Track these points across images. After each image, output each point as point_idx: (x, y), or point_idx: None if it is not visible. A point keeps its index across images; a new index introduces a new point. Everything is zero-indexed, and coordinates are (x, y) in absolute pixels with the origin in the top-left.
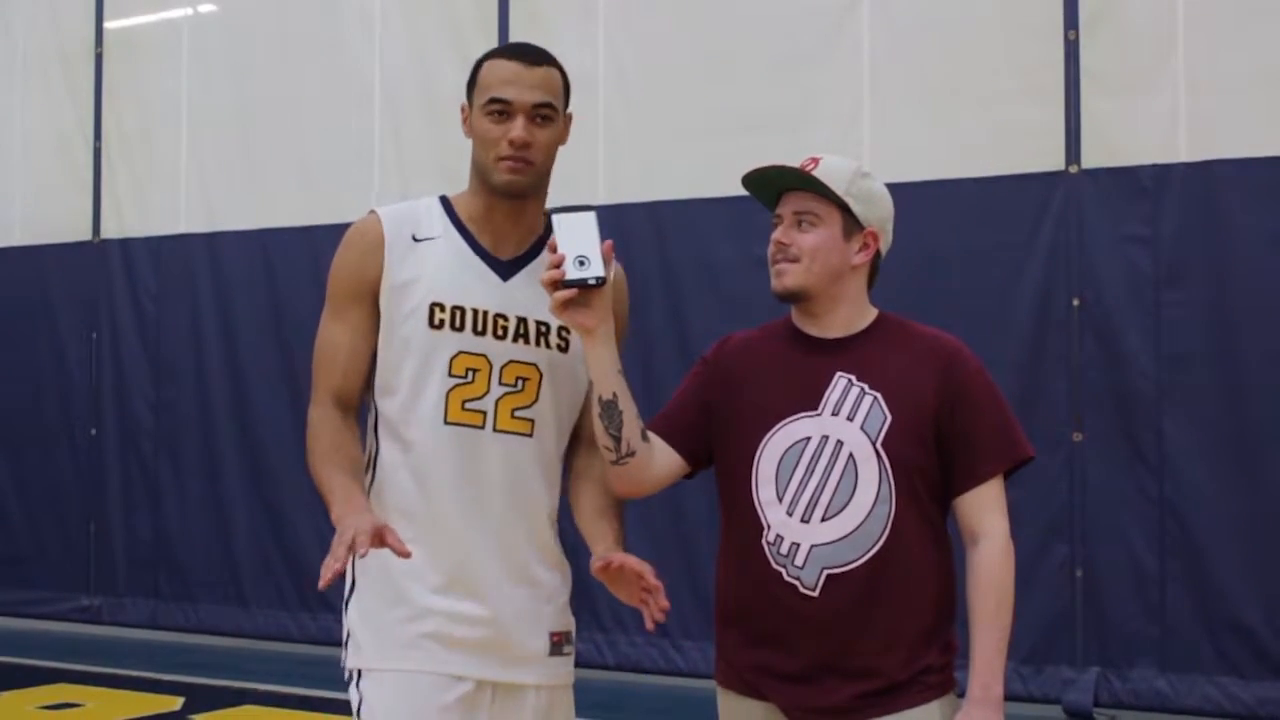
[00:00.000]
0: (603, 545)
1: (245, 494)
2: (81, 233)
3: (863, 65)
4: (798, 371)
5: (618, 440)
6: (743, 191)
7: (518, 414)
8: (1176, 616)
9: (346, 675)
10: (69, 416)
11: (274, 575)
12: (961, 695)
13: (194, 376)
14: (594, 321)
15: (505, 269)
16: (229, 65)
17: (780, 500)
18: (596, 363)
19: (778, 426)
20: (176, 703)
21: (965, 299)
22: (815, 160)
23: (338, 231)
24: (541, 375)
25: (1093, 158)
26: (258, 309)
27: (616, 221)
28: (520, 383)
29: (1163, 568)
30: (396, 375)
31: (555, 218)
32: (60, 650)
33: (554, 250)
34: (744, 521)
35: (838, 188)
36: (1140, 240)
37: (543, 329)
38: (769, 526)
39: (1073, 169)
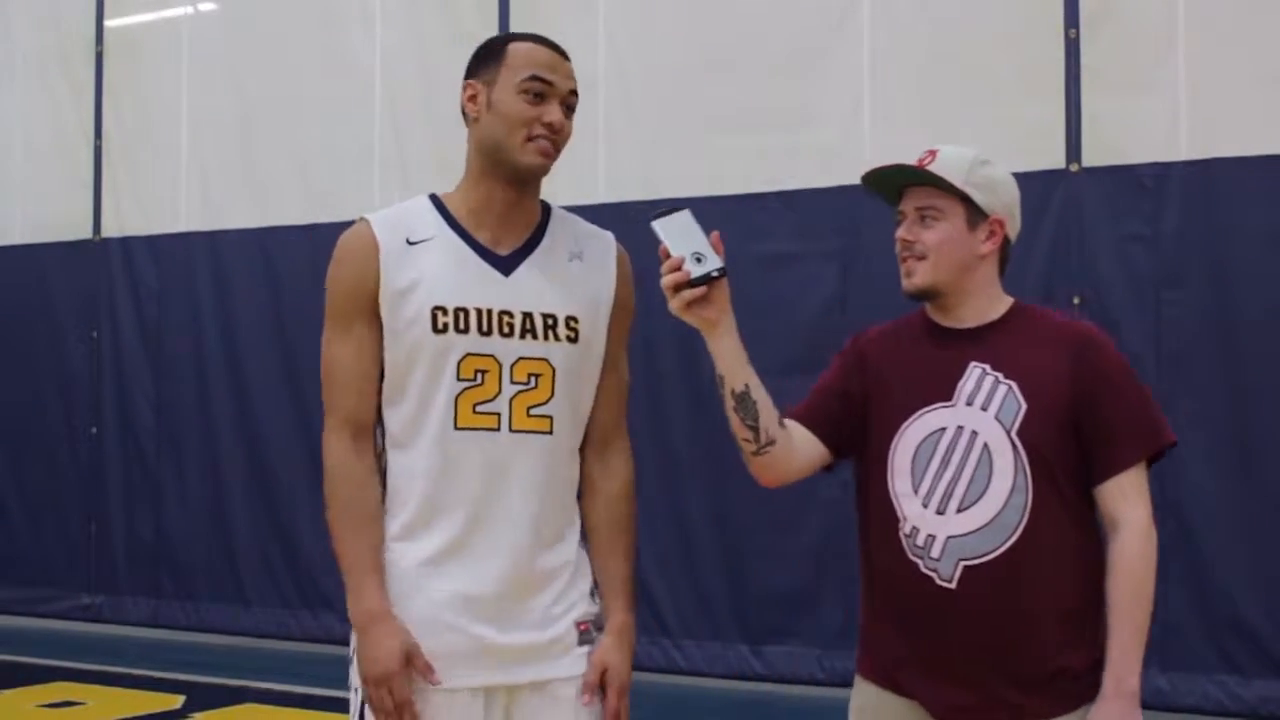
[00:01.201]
0: (609, 617)
1: (246, 492)
2: (82, 231)
3: (863, 63)
4: (932, 363)
5: (756, 430)
6: (742, 190)
7: (534, 412)
8: (1177, 616)
9: (354, 692)
10: (70, 415)
11: (275, 574)
12: None
13: (195, 375)
14: (717, 314)
15: (505, 264)
16: (229, 63)
17: (915, 492)
18: (725, 355)
19: (913, 418)
20: (177, 701)
21: None
22: (932, 153)
23: (339, 229)
24: (554, 369)
25: (1093, 156)
26: (258, 307)
27: (616, 219)
28: (533, 379)
29: (1163, 567)
30: (405, 385)
31: (655, 224)
32: (61, 648)
33: (667, 256)
34: (881, 513)
35: (956, 179)
36: (1141, 239)
37: (550, 321)
38: (905, 519)
39: (1073, 167)
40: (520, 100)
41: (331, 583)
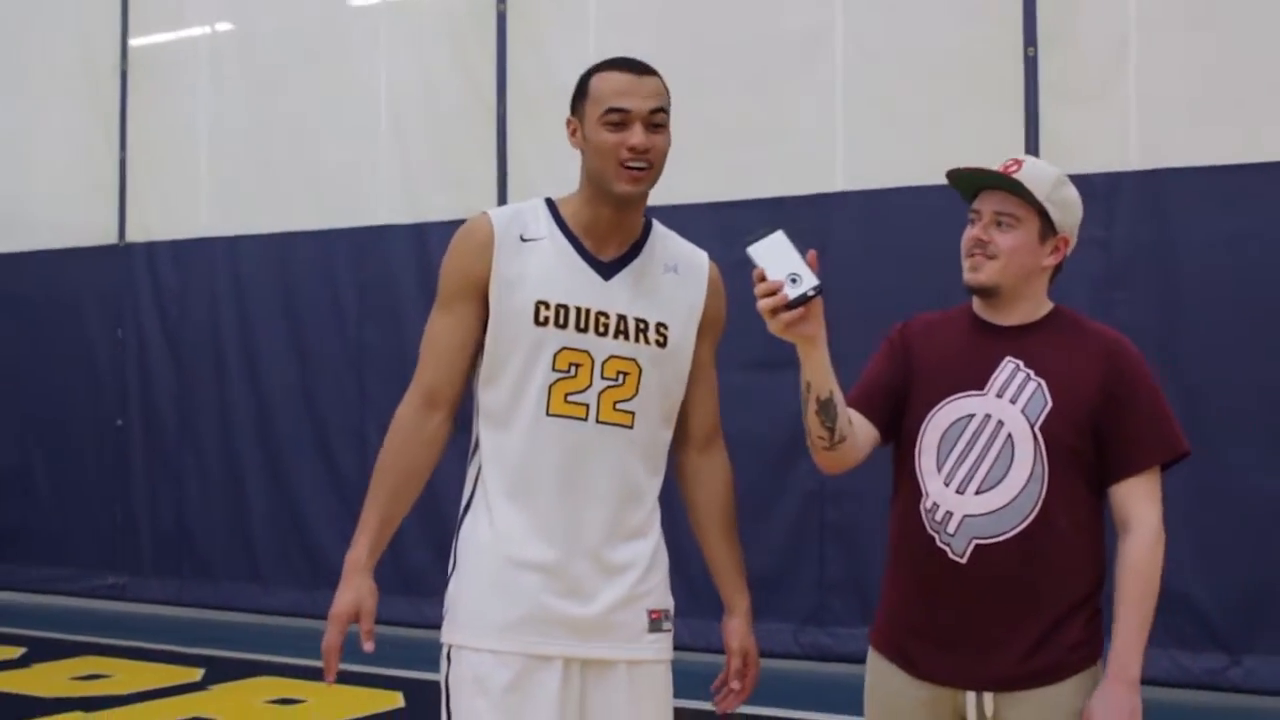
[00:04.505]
0: (735, 604)
1: (261, 479)
2: (108, 236)
3: (836, 81)
4: (970, 353)
5: (833, 430)
6: (725, 197)
7: (619, 407)
8: None
9: (443, 649)
10: (97, 408)
11: (289, 555)
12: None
13: (213, 370)
14: (815, 329)
15: (607, 270)
16: (245, 80)
17: (939, 470)
18: (818, 367)
19: (946, 402)
20: (197, 674)
21: (934, 297)
22: (1018, 162)
23: (348, 234)
24: (641, 369)
25: (1050, 164)
26: (273, 307)
27: None
28: (621, 377)
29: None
30: (502, 368)
31: (750, 250)
32: (90, 625)
33: (762, 279)
34: (907, 488)
35: (1040, 193)
36: (1094, 243)
37: (641, 325)
38: (927, 494)
39: None
40: (603, 132)
41: (340, 565)
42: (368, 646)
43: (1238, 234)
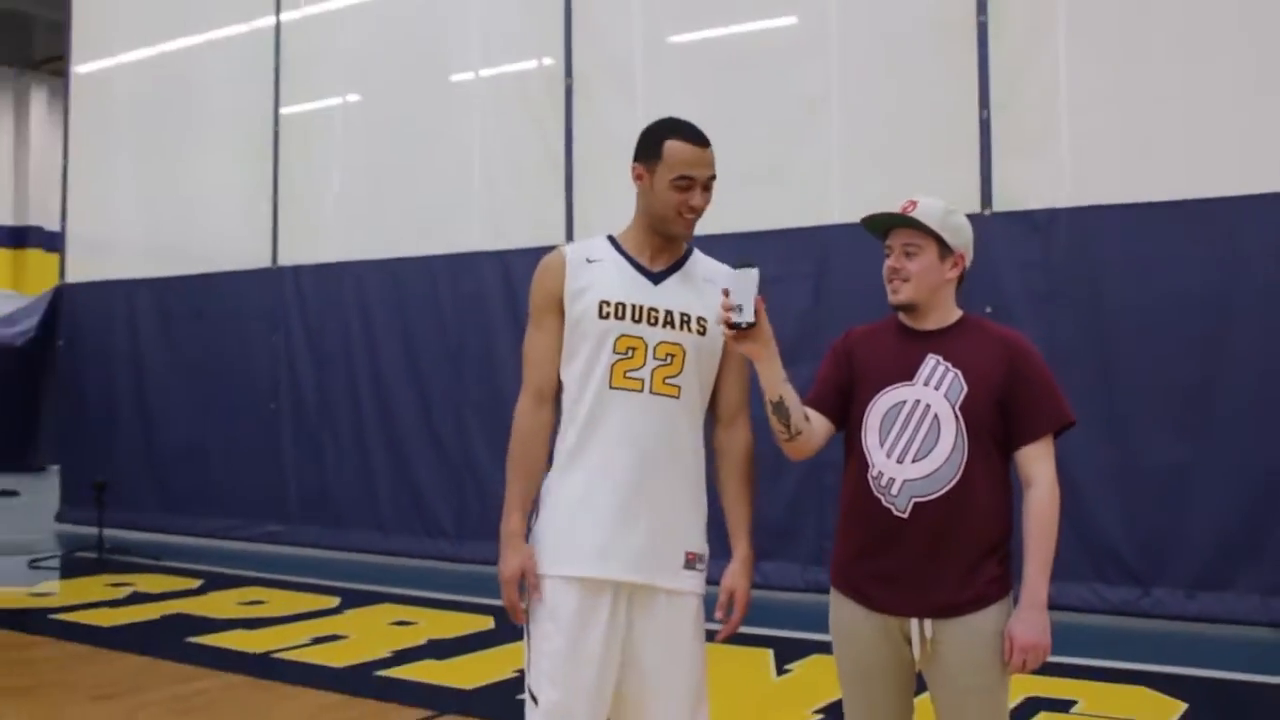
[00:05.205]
0: (736, 552)
1: (383, 450)
2: (264, 261)
3: (832, 136)
4: (900, 353)
5: (787, 426)
6: (741, 229)
7: (668, 381)
8: (1062, 538)
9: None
10: (256, 395)
11: (404, 510)
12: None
13: (344, 365)
14: (758, 350)
15: (656, 277)
16: (368, 140)
17: (882, 445)
18: (765, 375)
19: (884, 392)
20: (335, 601)
21: None
22: (914, 203)
23: (447, 259)
24: (685, 352)
25: (1001, 203)
26: (389, 315)
27: None
28: (669, 358)
29: None
30: (576, 354)
31: (733, 273)
32: (252, 562)
33: (726, 296)
34: (857, 461)
35: (933, 224)
36: (1035, 265)
37: (685, 318)
38: (873, 465)
39: (986, 212)
40: (672, 192)
41: (445, 517)
42: (535, 597)
43: (1150, 258)
